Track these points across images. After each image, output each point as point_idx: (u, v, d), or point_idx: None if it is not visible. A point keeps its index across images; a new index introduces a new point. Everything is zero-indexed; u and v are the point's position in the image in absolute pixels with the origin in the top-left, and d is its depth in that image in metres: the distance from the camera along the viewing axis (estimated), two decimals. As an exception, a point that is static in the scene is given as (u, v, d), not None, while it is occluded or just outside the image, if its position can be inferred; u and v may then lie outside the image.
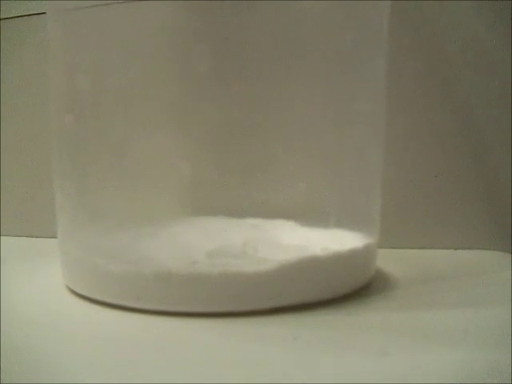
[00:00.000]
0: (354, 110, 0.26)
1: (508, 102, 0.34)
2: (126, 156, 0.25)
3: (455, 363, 0.19)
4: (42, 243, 0.39)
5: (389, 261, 0.31)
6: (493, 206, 0.35)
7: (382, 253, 0.29)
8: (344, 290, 0.26)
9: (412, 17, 0.35)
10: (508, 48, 0.34)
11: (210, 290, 0.23)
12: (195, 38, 0.24)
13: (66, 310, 0.25)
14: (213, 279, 0.23)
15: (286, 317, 0.23)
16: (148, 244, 0.25)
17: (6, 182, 0.43)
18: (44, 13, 0.28)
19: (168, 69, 0.24)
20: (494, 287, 0.28)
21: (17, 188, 0.43)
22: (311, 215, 0.25)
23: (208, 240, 0.25)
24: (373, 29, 0.27)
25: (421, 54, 0.35)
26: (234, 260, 0.24)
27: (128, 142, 0.25)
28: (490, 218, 0.35)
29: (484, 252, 0.34)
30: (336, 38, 0.25)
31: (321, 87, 0.25)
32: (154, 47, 0.24)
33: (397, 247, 0.35)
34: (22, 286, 0.28)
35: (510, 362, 0.19)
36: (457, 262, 0.33)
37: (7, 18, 0.43)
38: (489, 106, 0.35)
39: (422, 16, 0.35)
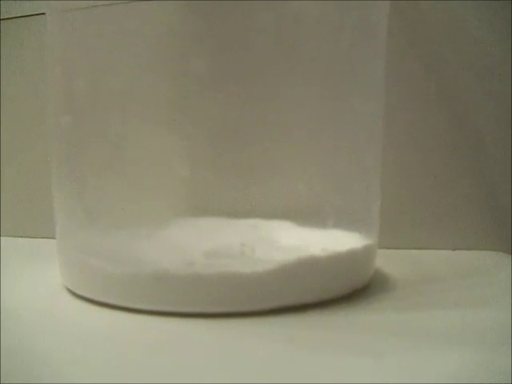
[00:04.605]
0: (352, 110, 0.26)
1: (507, 103, 0.34)
2: (123, 157, 0.25)
3: (454, 364, 0.19)
4: (42, 244, 0.39)
5: (388, 261, 0.31)
6: (492, 206, 0.35)
7: (381, 253, 0.29)
8: (343, 290, 0.26)
9: (411, 17, 0.35)
10: (508, 48, 0.34)
11: (207, 290, 0.23)
12: (194, 39, 0.24)
13: (63, 310, 0.25)
14: (210, 280, 0.23)
15: (284, 317, 0.23)
16: (146, 245, 0.25)
17: (6, 182, 0.43)
18: (44, 13, 0.28)
19: (167, 69, 0.24)
20: (494, 288, 0.28)
21: (17, 188, 0.43)
22: (309, 216, 0.25)
23: (206, 241, 0.25)
24: (371, 29, 0.27)
25: (420, 54, 0.35)
26: (232, 261, 0.24)
27: (126, 143, 0.25)
28: (489, 218, 0.35)
29: (483, 253, 0.34)
30: (335, 38, 0.25)
31: (319, 88, 0.25)
32: (153, 48, 0.24)
33: (396, 248, 0.35)
34: (20, 286, 0.29)
35: (510, 362, 0.19)
36: (456, 262, 0.33)
37: (7, 18, 0.43)
38: (488, 107, 0.35)
39: (421, 16, 0.35)
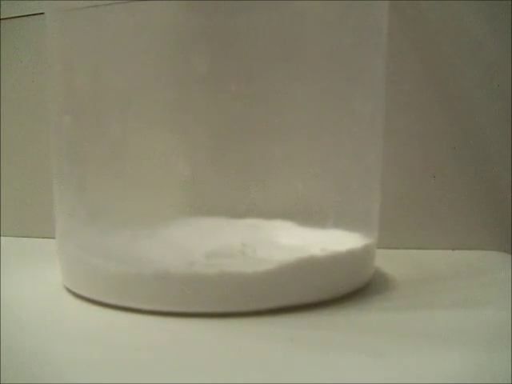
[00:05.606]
0: (352, 110, 0.26)
1: (508, 102, 0.34)
2: (124, 156, 0.25)
3: (454, 363, 0.19)
4: (42, 243, 0.39)
5: (388, 261, 0.31)
6: (492, 206, 0.35)
7: (380, 253, 0.29)
8: (343, 290, 0.26)
9: (411, 17, 0.35)
10: (508, 48, 0.34)
11: (208, 290, 0.23)
12: (194, 39, 0.24)
13: (64, 310, 0.25)
14: (211, 280, 0.23)
15: (284, 317, 0.23)
16: (146, 244, 0.25)
17: (6, 182, 0.43)
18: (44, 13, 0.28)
19: (167, 69, 0.24)
20: (494, 287, 0.28)
21: (17, 188, 0.43)
22: (310, 216, 0.25)
23: (206, 240, 0.25)
24: (372, 29, 0.27)
25: (420, 54, 0.35)
26: (233, 260, 0.24)
27: (126, 143, 0.25)
28: (489, 218, 0.35)
29: (483, 252, 0.34)
30: (335, 38, 0.25)
31: (320, 87, 0.25)
32: (153, 48, 0.24)
33: (396, 247, 0.35)
34: (21, 286, 0.29)
35: (510, 362, 0.19)
36: (456, 262, 0.33)
37: (7, 18, 0.43)
38: (488, 106, 0.35)
39: (421, 16, 0.35)
